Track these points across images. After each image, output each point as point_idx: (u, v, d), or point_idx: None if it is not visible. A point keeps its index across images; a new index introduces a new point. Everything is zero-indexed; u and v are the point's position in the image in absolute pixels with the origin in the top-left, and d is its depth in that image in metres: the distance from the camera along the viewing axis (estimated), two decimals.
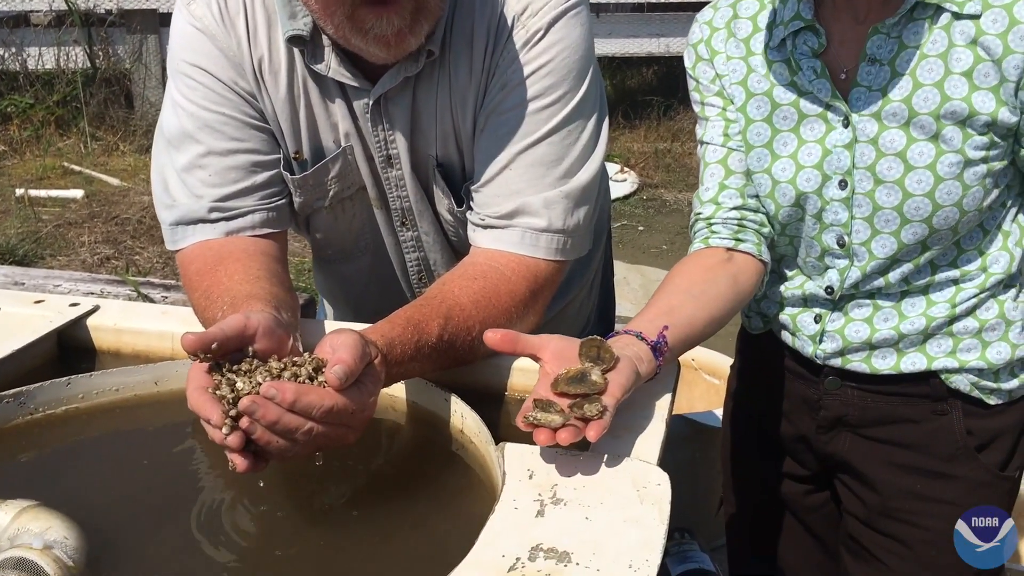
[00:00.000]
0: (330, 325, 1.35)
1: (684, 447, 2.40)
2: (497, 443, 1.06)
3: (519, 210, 1.30)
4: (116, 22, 6.37)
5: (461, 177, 1.41)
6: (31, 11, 6.64)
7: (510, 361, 1.25)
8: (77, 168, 5.81)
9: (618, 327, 1.21)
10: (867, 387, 1.39)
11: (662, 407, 1.13)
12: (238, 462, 0.96)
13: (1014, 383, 1.35)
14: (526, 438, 1.02)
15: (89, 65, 6.37)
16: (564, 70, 1.31)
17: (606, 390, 1.02)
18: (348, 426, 1.00)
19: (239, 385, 0.96)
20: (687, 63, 1.42)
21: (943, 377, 1.34)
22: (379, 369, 1.05)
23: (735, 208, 1.35)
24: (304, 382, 0.98)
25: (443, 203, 1.44)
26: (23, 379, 1.21)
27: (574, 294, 1.69)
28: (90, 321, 1.39)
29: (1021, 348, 1.34)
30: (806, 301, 1.40)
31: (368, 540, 1.02)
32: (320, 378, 0.99)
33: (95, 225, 5.00)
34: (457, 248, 1.50)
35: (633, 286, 4.13)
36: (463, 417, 1.15)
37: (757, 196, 1.36)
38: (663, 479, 0.98)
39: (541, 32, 1.30)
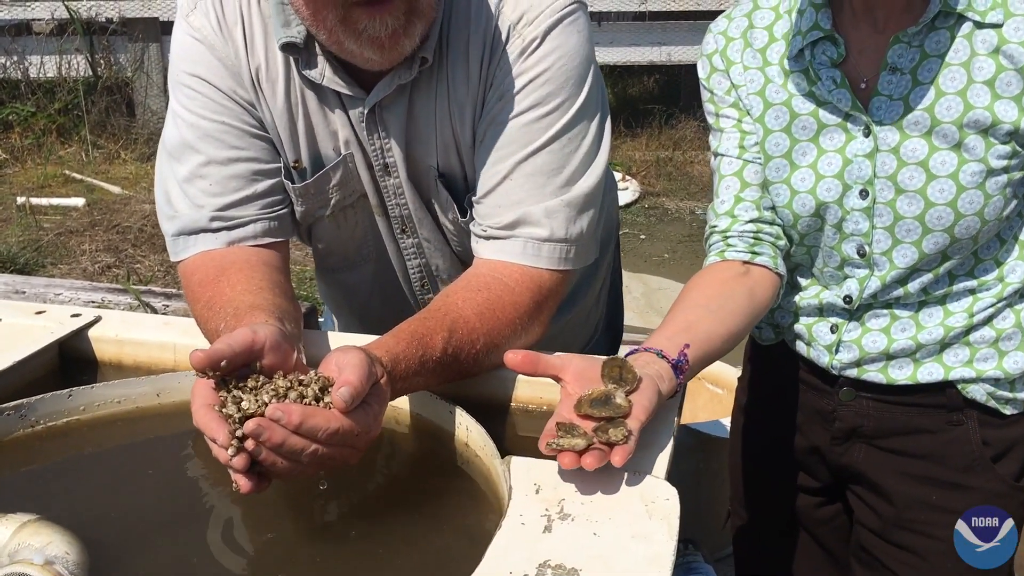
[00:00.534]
0: (334, 337, 1.34)
1: (688, 457, 2.39)
2: (503, 456, 1.05)
3: (520, 220, 1.29)
4: (118, 30, 6.38)
5: (464, 188, 1.41)
6: (33, 19, 6.65)
7: (515, 373, 1.24)
8: (78, 176, 5.81)
9: (627, 336, 1.20)
10: (882, 398, 1.38)
11: (669, 421, 1.11)
12: (242, 483, 0.95)
13: None
14: (532, 451, 1.01)
15: (91, 73, 6.38)
16: (562, 78, 1.30)
17: (630, 413, 1.00)
18: (353, 447, 1.00)
19: (245, 404, 0.95)
20: (701, 74, 1.41)
21: (959, 387, 1.33)
22: (385, 388, 1.04)
23: (751, 221, 1.34)
24: (310, 402, 0.97)
25: (447, 213, 1.43)
26: (24, 391, 1.20)
27: (581, 303, 1.68)
28: (91, 332, 1.38)
29: None
30: (822, 311, 1.39)
31: (371, 555, 1.01)
32: (326, 398, 0.98)
33: (96, 233, 4.99)
34: (460, 255, 1.49)
35: (635, 295, 4.11)
36: (468, 430, 1.13)
37: (773, 208, 1.35)
38: (672, 494, 0.97)
39: (537, 41, 1.29)
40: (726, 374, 2.66)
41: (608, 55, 6.59)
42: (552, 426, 1.00)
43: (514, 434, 1.21)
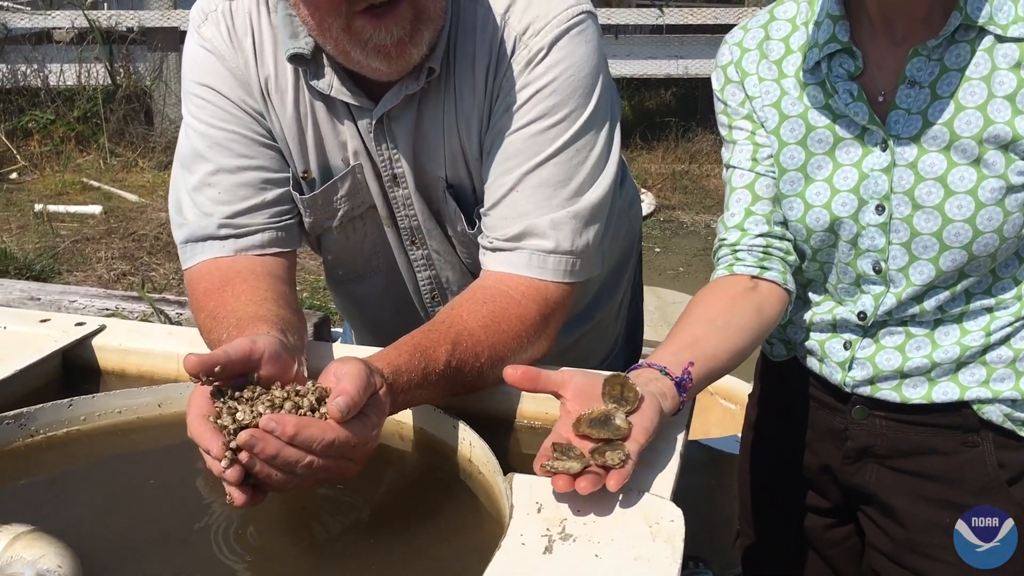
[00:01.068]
0: (340, 349, 1.32)
1: (699, 473, 2.36)
2: (506, 473, 1.03)
3: (526, 232, 1.28)
4: (137, 39, 6.44)
5: (473, 199, 1.39)
6: (53, 28, 6.72)
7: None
8: (96, 184, 5.84)
9: (646, 350, 1.18)
10: (896, 417, 1.35)
11: (675, 439, 1.09)
12: (236, 496, 0.93)
13: None
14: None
15: (110, 82, 6.43)
16: (569, 89, 1.28)
17: (630, 435, 0.98)
18: (349, 459, 0.98)
19: (239, 415, 0.94)
20: (715, 85, 1.39)
21: (975, 407, 1.30)
22: (384, 399, 1.02)
23: (761, 235, 1.32)
24: (306, 414, 0.96)
25: (456, 225, 1.42)
26: (26, 399, 1.19)
27: (600, 316, 1.66)
28: (96, 341, 1.37)
29: None
30: (835, 327, 1.37)
31: (369, 570, 0.99)
32: (323, 409, 0.96)
33: (112, 241, 5.02)
34: (470, 267, 1.48)
35: (649, 308, 4.08)
36: (471, 445, 1.12)
37: (784, 223, 1.33)
38: (677, 515, 0.95)
39: (544, 51, 1.28)
40: (739, 389, 2.63)
41: (625, 68, 6.59)
42: (548, 446, 0.98)
43: (518, 450, 1.19)
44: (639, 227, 1.77)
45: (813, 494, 1.48)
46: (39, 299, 3.27)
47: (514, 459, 1.14)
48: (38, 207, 5.34)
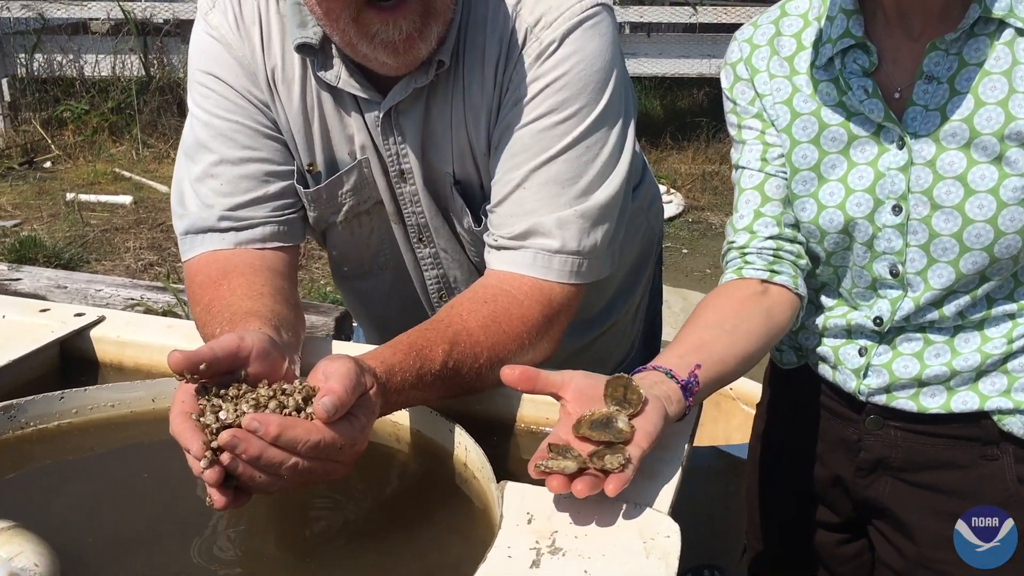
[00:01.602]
0: (339, 347, 1.29)
1: (717, 480, 2.31)
2: (501, 479, 0.99)
3: (532, 230, 1.24)
4: (171, 32, 6.49)
5: (480, 196, 1.36)
6: (90, 19, 6.78)
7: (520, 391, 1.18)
8: (127, 174, 5.89)
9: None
10: (912, 427, 1.29)
11: (679, 448, 1.05)
12: (216, 498, 0.91)
13: None
14: (530, 477, 0.95)
15: (144, 73, 6.48)
16: (580, 84, 1.24)
17: (632, 439, 0.94)
18: (337, 461, 0.95)
19: (223, 414, 0.91)
20: (724, 83, 1.35)
21: (995, 418, 1.25)
22: (374, 400, 0.99)
23: (771, 237, 1.27)
24: (291, 413, 0.93)
25: (463, 222, 1.38)
26: (21, 390, 1.18)
27: (616, 318, 1.62)
28: (93, 333, 1.36)
29: None
30: (850, 332, 1.32)
31: (358, 574, 0.96)
32: (309, 409, 0.93)
33: (141, 231, 5.05)
34: (479, 266, 1.45)
35: (675, 310, 4.04)
36: (467, 450, 1.08)
37: (795, 225, 1.28)
38: (673, 531, 0.90)
39: (555, 44, 1.24)
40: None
41: (657, 67, 6.54)
42: (545, 447, 0.94)
43: (516, 456, 1.15)
44: (659, 228, 1.73)
45: (823, 508, 1.43)
46: (66, 287, 3.29)
47: (512, 464, 1.11)
48: (69, 196, 5.39)
